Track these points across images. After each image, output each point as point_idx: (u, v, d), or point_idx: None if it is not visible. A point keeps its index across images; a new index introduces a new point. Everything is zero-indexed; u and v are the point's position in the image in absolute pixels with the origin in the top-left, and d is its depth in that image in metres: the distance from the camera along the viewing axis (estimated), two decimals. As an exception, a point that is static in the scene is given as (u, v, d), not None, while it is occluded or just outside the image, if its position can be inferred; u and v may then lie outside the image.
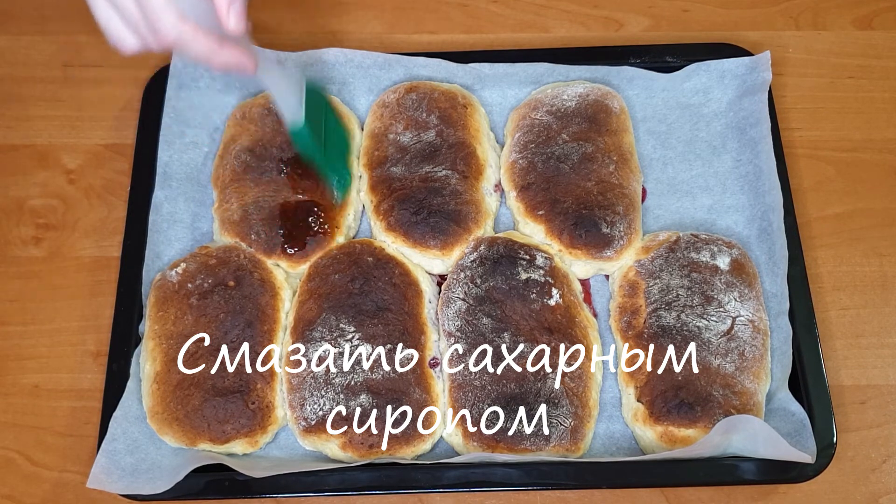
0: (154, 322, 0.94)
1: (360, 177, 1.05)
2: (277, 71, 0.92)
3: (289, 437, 0.94)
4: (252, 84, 1.10)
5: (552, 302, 0.94)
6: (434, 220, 0.98)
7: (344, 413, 0.89)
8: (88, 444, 0.95)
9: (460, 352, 0.92)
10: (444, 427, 0.92)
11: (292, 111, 0.93)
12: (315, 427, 0.90)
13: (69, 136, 1.12)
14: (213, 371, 0.91)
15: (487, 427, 0.89)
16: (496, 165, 1.05)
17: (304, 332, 0.93)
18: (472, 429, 0.89)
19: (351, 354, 0.91)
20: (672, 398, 0.89)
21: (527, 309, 0.94)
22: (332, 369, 0.91)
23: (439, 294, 0.98)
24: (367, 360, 0.91)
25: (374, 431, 0.89)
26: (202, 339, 0.92)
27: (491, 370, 0.91)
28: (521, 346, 0.92)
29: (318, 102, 0.98)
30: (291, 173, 1.01)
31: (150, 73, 1.10)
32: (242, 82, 1.09)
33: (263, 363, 0.92)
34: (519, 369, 0.91)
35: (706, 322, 0.92)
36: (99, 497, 0.93)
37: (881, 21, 1.17)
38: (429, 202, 0.99)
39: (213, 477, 0.89)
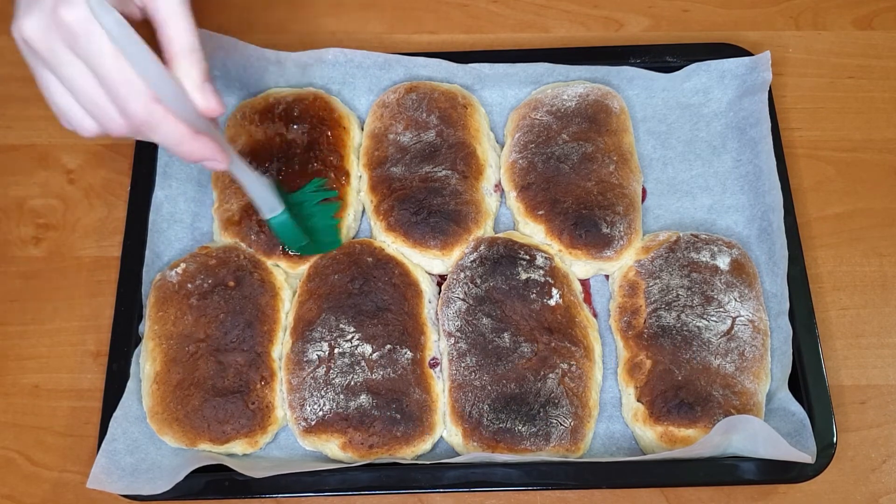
0: (154, 322, 0.94)
1: (360, 177, 1.05)
2: (247, 166, 0.89)
3: (289, 437, 0.94)
4: (253, 85, 1.10)
5: (552, 302, 0.94)
6: (434, 220, 0.98)
7: (344, 413, 0.89)
8: (88, 444, 0.95)
9: (460, 352, 0.92)
10: (444, 427, 0.92)
11: (269, 203, 0.92)
12: (315, 427, 0.90)
13: (69, 136, 1.10)
14: (212, 371, 0.91)
15: (487, 427, 0.89)
16: (496, 165, 1.05)
17: (303, 332, 0.93)
18: (472, 429, 0.89)
19: (351, 354, 0.91)
20: (672, 398, 0.89)
21: (527, 309, 0.94)
22: (332, 369, 0.91)
23: (439, 294, 0.98)
24: (367, 360, 0.91)
25: (374, 432, 0.89)
26: (202, 340, 0.92)
27: (491, 370, 0.91)
28: (521, 347, 0.92)
29: (281, 193, 0.96)
30: (291, 174, 1.01)
31: (150, 73, 1.10)
32: (242, 83, 1.09)
33: (263, 363, 0.92)
34: (519, 369, 0.91)
35: (706, 322, 0.92)
36: (99, 497, 0.93)
37: (881, 21, 1.17)
38: (429, 202, 0.99)
39: (213, 477, 0.89)
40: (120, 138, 0.76)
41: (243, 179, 0.89)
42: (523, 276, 0.95)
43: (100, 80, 0.71)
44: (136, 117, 0.72)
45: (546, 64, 1.08)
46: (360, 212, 1.04)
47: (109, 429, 0.90)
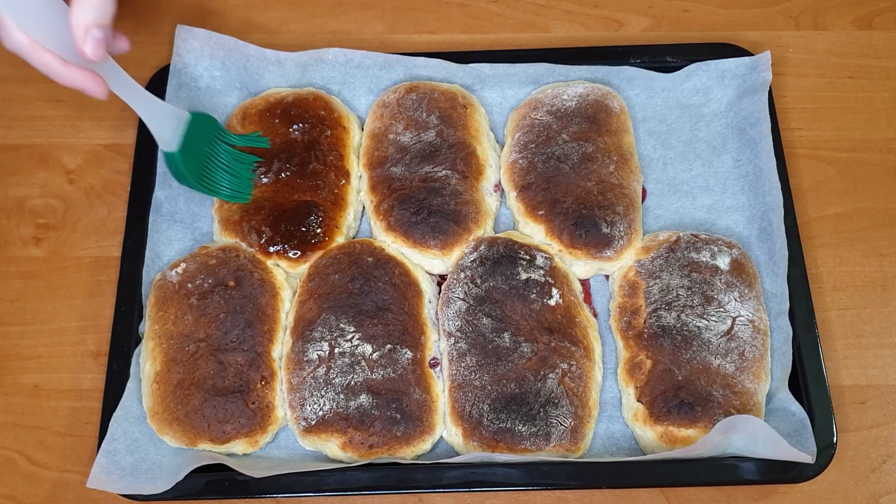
0: (154, 322, 0.94)
1: (360, 177, 1.05)
2: (148, 99, 0.92)
3: (289, 437, 0.94)
4: (253, 85, 1.10)
5: (552, 302, 0.94)
6: (434, 220, 0.98)
7: (344, 413, 0.89)
8: (88, 444, 0.95)
9: (460, 352, 0.92)
10: (444, 427, 0.92)
11: (164, 137, 0.94)
12: (315, 427, 0.90)
13: (69, 136, 1.12)
14: (213, 371, 0.91)
15: (487, 427, 0.89)
16: (496, 165, 1.05)
17: (304, 332, 0.93)
18: (472, 429, 0.89)
19: (351, 354, 0.91)
20: (672, 398, 0.89)
21: (527, 309, 0.94)
22: (332, 369, 0.91)
23: (439, 294, 0.98)
24: (367, 360, 0.91)
25: (374, 431, 0.89)
26: (202, 339, 0.92)
27: (491, 370, 0.91)
28: (521, 346, 0.92)
29: (206, 133, 0.99)
30: (291, 174, 1.01)
31: (151, 73, 1.10)
32: (242, 82, 1.10)
33: (264, 363, 0.92)
34: (519, 369, 0.91)
35: (706, 322, 0.92)
36: (99, 497, 0.93)
37: (881, 21, 1.17)
38: (429, 202, 0.99)
39: (213, 477, 0.89)
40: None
41: (137, 107, 0.92)
42: (523, 276, 0.95)
43: None
44: (6, 47, 0.81)
45: (546, 64, 1.08)
46: (360, 212, 1.04)
47: (109, 429, 0.90)
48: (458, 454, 0.91)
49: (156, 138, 0.94)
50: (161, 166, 1.04)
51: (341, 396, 0.90)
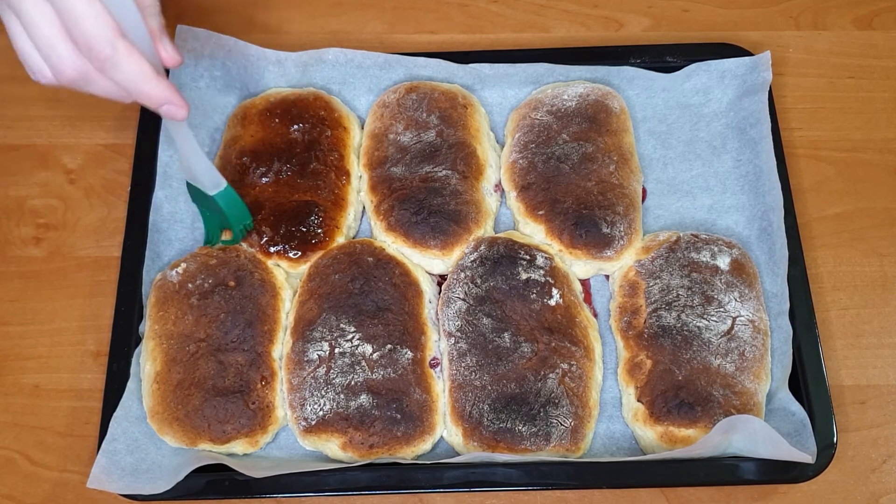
0: (154, 322, 0.94)
1: (361, 177, 1.05)
2: (192, 136, 0.91)
3: (289, 437, 0.94)
4: (253, 85, 1.10)
5: (552, 302, 0.94)
6: (434, 220, 0.98)
7: (344, 413, 0.89)
8: (88, 444, 0.95)
9: (460, 352, 0.92)
10: (445, 427, 0.92)
11: (213, 177, 0.94)
12: (315, 427, 0.90)
13: (69, 136, 1.12)
14: (213, 371, 0.91)
15: (487, 427, 0.89)
16: (496, 165, 1.05)
17: (304, 332, 0.93)
18: (472, 429, 0.89)
19: (351, 354, 0.91)
20: (672, 398, 0.89)
21: (527, 309, 0.94)
22: (333, 369, 0.91)
23: (439, 294, 0.98)
24: (368, 360, 0.91)
25: (375, 431, 0.89)
26: (203, 339, 0.92)
27: (491, 370, 0.91)
28: (521, 346, 0.92)
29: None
30: (291, 174, 1.01)
31: (151, 73, 1.10)
32: (242, 82, 1.09)
33: (264, 363, 0.92)
34: (519, 369, 0.91)
35: (706, 322, 0.92)
36: (99, 497, 0.93)
37: (881, 21, 1.17)
38: (429, 202, 0.99)
39: (214, 477, 0.89)
40: (71, 84, 0.75)
41: (191, 147, 0.91)
42: (523, 276, 0.95)
43: (64, 13, 0.70)
44: (101, 51, 0.71)
45: (546, 64, 1.08)
46: (360, 212, 1.04)
47: (109, 429, 0.90)
48: (458, 454, 0.91)
49: (204, 180, 0.93)
50: (161, 166, 1.04)
51: (341, 396, 0.90)
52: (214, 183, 0.94)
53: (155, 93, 0.77)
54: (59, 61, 0.73)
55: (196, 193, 0.97)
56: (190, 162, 0.92)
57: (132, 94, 0.77)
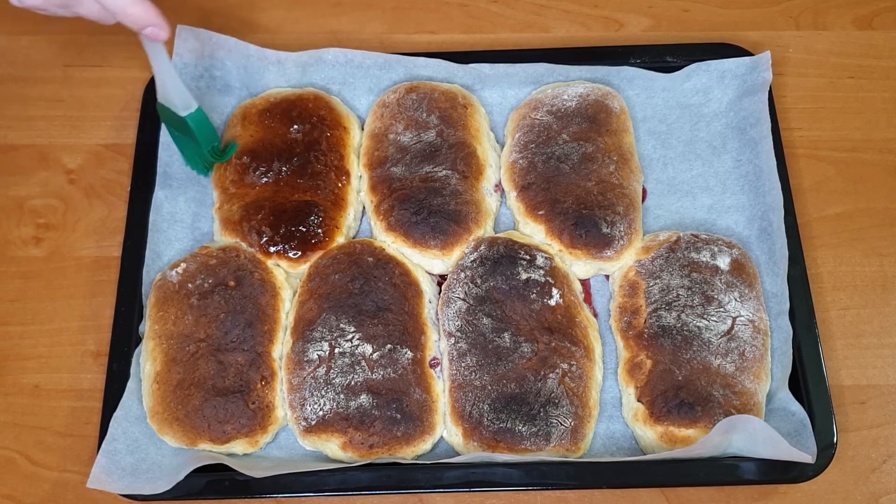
0: (154, 322, 0.94)
1: (361, 177, 1.05)
2: (168, 58, 0.95)
3: (289, 437, 0.94)
4: (253, 85, 1.10)
5: (552, 302, 0.94)
6: (434, 220, 0.98)
7: (344, 413, 0.89)
8: (88, 444, 0.95)
9: (460, 352, 0.92)
10: (445, 427, 0.92)
11: (185, 99, 0.98)
12: (315, 427, 0.90)
13: (69, 136, 1.12)
14: (213, 371, 0.91)
15: (488, 427, 0.89)
16: (496, 165, 1.05)
17: (304, 332, 0.93)
18: (472, 429, 0.89)
19: (351, 354, 0.91)
20: (672, 398, 0.89)
21: (527, 309, 0.94)
22: (333, 369, 0.91)
23: (439, 294, 0.98)
24: (368, 360, 0.91)
25: (375, 431, 0.89)
26: (203, 339, 0.92)
27: (491, 370, 0.91)
28: (521, 346, 0.92)
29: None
30: (291, 174, 1.01)
31: (151, 74, 1.10)
32: (243, 82, 1.09)
33: (264, 363, 0.92)
34: (519, 369, 0.91)
35: (706, 322, 0.92)
36: (99, 497, 0.93)
37: (881, 21, 1.17)
38: (429, 202, 0.99)
39: (213, 477, 0.89)
40: (60, 3, 0.78)
41: (164, 66, 0.95)
42: (523, 276, 0.95)
43: None
44: None
45: (546, 64, 1.08)
46: (360, 212, 1.04)
47: (110, 429, 0.90)
48: (458, 454, 0.91)
49: (176, 101, 0.97)
50: (161, 166, 1.04)
51: (341, 396, 0.90)
52: (185, 104, 0.98)
53: (140, 14, 0.80)
54: None
55: (168, 116, 1.01)
56: (164, 82, 0.96)
57: (118, 15, 0.79)
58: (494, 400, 0.90)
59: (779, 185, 0.99)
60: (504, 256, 0.96)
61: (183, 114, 0.98)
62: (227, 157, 1.02)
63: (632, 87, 1.09)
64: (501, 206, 1.05)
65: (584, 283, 1.01)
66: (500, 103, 1.11)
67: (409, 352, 0.92)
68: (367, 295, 0.94)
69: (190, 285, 0.95)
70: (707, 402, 0.88)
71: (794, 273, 0.96)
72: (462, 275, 0.97)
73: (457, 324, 0.94)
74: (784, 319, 0.94)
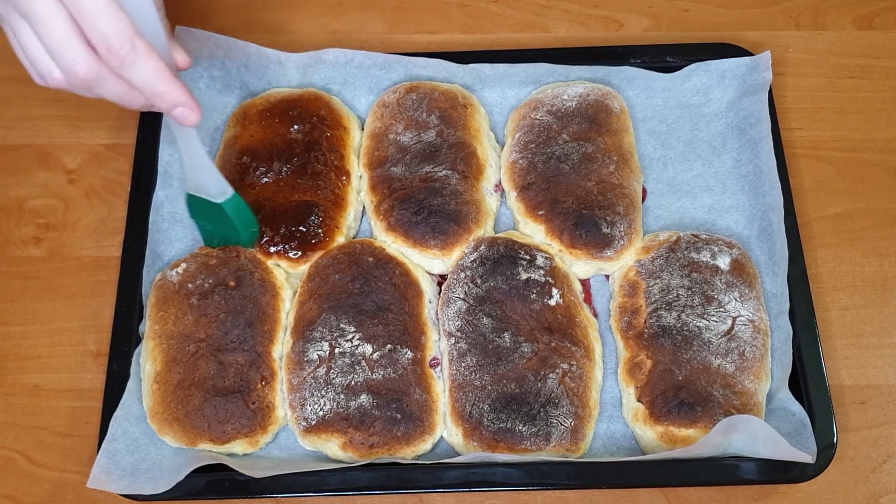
0: (154, 322, 0.94)
1: (361, 177, 1.05)
2: (199, 141, 0.89)
3: (289, 437, 0.94)
4: (253, 85, 1.10)
5: (552, 302, 0.94)
6: (434, 220, 0.98)
7: (344, 413, 0.89)
8: (88, 444, 0.95)
9: (460, 352, 0.92)
10: (445, 427, 0.92)
11: (220, 185, 0.92)
12: (315, 427, 0.90)
13: (69, 136, 1.12)
14: (213, 371, 0.91)
15: (488, 427, 0.89)
16: (496, 165, 1.05)
17: (304, 332, 0.93)
18: (472, 429, 0.89)
19: (351, 354, 0.91)
20: (672, 398, 0.89)
21: (527, 309, 0.94)
22: (333, 369, 0.91)
23: (439, 294, 0.98)
24: (368, 360, 0.91)
25: (375, 431, 0.89)
26: (203, 339, 0.92)
27: (491, 370, 0.91)
28: (521, 346, 0.92)
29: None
30: (291, 174, 1.01)
31: (151, 73, 1.10)
32: (243, 83, 1.09)
33: (264, 363, 0.92)
34: (519, 369, 0.91)
35: (706, 322, 0.92)
36: (99, 497, 0.93)
37: (881, 21, 1.17)
38: (429, 202, 0.99)
39: (214, 477, 0.89)
40: (82, 86, 0.73)
41: (198, 153, 0.89)
42: (523, 276, 0.95)
43: (79, 12, 0.69)
44: (118, 49, 0.70)
45: (546, 64, 1.08)
46: (360, 212, 1.04)
47: (110, 429, 0.90)
48: (458, 454, 0.91)
49: (211, 187, 0.91)
50: (162, 166, 1.04)
51: (341, 396, 0.90)
52: (221, 190, 0.92)
53: (172, 94, 0.76)
54: (72, 62, 0.72)
55: (196, 207, 0.96)
56: (196, 169, 0.91)
57: (147, 94, 0.75)
58: (494, 400, 0.90)
59: (779, 185, 0.99)
60: (504, 256, 0.96)
61: (219, 200, 0.92)
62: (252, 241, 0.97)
63: (632, 87, 1.09)
64: (501, 206, 1.05)
65: (584, 283, 1.01)
66: (500, 103, 1.11)
67: (409, 352, 0.92)
68: (367, 295, 0.94)
69: (190, 285, 0.95)
70: (707, 402, 0.89)
71: (794, 273, 0.96)
72: (462, 275, 0.97)
73: (457, 324, 0.94)
74: (784, 319, 0.94)
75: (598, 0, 1.19)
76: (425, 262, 1.00)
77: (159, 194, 1.02)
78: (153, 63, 0.73)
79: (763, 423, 0.84)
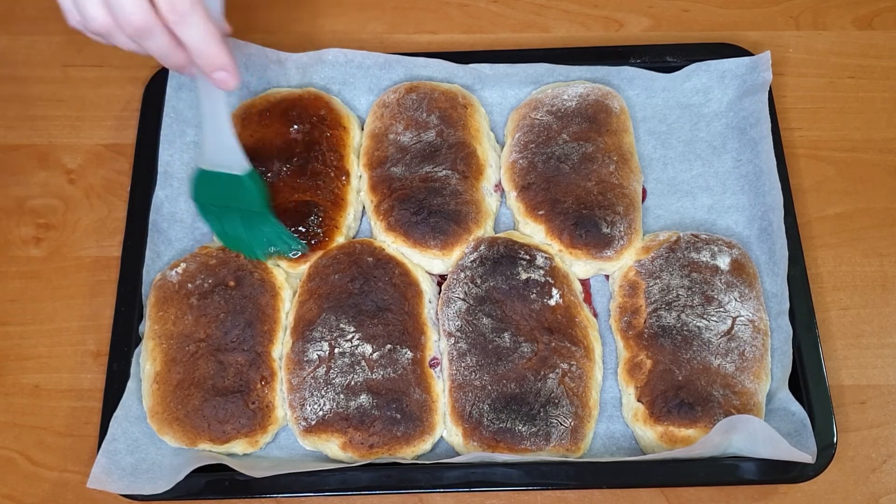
0: (154, 322, 0.94)
1: (360, 177, 1.05)
2: (228, 109, 0.89)
3: (289, 437, 0.94)
4: (253, 85, 1.10)
5: (552, 302, 0.94)
6: (434, 220, 0.98)
7: (344, 413, 0.89)
8: (88, 444, 0.95)
9: (460, 352, 0.92)
10: (444, 427, 0.92)
11: (240, 159, 0.90)
12: (315, 427, 0.90)
13: (69, 136, 1.12)
14: (213, 371, 0.91)
15: (487, 427, 0.89)
16: (496, 165, 1.05)
17: (304, 332, 0.93)
18: (472, 429, 0.89)
19: (351, 354, 0.91)
20: (672, 398, 0.89)
21: (527, 309, 0.94)
22: (333, 369, 0.91)
23: (439, 294, 0.98)
24: (368, 360, 0.91)
25: (375, 431, 0.89)
26: (203, 339, 0.92)
27: (491, 370, 0.91)
28: (521, 346, 0.92)
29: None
30: (291, 173, 1.01)
31: (151, 73, 1.10)
32: (243, 82, 1.09)
33: (264, 363, 0.92)
34: (519, 369, 0.91)
35: (706, 322, 0.92)
36: (99, 497, 0.93)
37: (881, 21, 1.17)
38: (429, 202, 0.99)
39: (213, 477, 0.89)
40: (130, 36, 0.73)
41: (222, 119, 0.88)
42: (523, 275, 0.95)
43: None
44: (181, 5, 0.71)
45: (546, 64, 1.08)
46: (360, 212, 1.04)
47: (110, 429, 0.90)
48: (458, 454, 0.91)
49: (232, 160, 0.90)
50: (162, 165, 1.04)
51: (341, 396, 0.90)
52: (241, 164, 0.91)
53: (219, 57, 0.77)
54: (131, 10, 0.72)
55: (209, 189, 0.93)
56: (218, 137, 0.89)
57: (195, 54, 0.76)
58: (494, 400, 0.90)
59: (779, 185, 0.99)
60: (504, 256, 0.96)
61: (240, 172, 0.90)
62: (294, 248, 0.95)
63: (632, 87, 1.09)
64: (501, 206, 1.05)
65: (584, 283, 1.01)
66: (500, 103, 1.11)
67: (408, 352, 0.92)
68: (366, 295, 0.94)
69: (190, 285, 0.95)
70: (707, 402, 0.89)
71: (794, 273, 0.96)
72: (462, 275, 0.97)
73: (457, 324, 0.94)
74: (784, 319, 0.94)
75: (598, 0, 1.19)
76: (425, 262, 1.00)
77: (159, 194, 1.02)
78: (208, 25, 0.75)
79: (763, 423, 0.84)
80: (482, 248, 0.98)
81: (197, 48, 0.76)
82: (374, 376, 0.91)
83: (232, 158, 0.91)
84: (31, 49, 1.16)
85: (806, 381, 0.92)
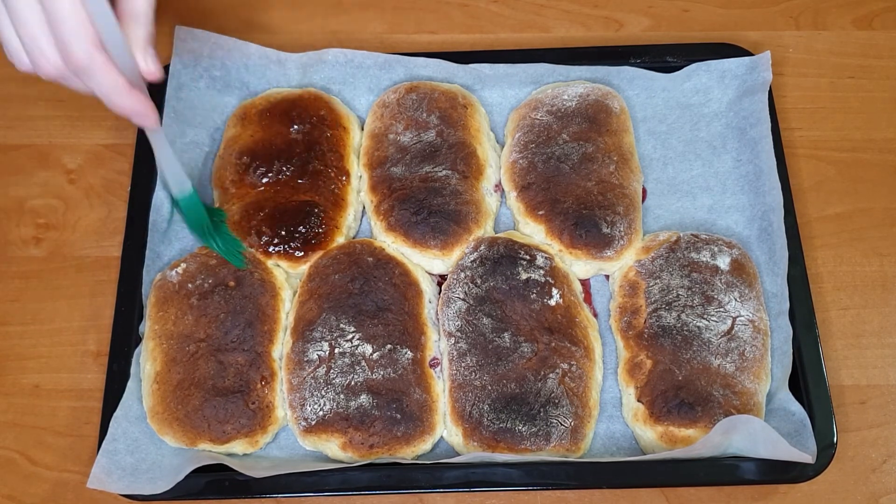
0: (154, 322, 0.94)
1: (361, 177, 1.05)
2: (167, 143, 0.92)
3: (289, 437, 0.94)
4: (253, 85, 1.10)
5: (552, 302, 0.94)
6: (434, 220, 0.98)
7: (344, 413, 0.89)
8: (88, 444, 0.95)
9: (460, 352, 0.92)
10: (445, 427, 0.92)
11: (180, 182, 0.95)
12: (315, 427, 0.90)
13: (69, 136, 1.12)
14: (213, 371, 0.91)
15: (488, 427, 0.89)
16: (496, 165, 1.05)
17: (304, 332, 0.93)
18: (472, 429, 0.89)
19: (351, 354, 0.91)
20: (672, 398, 0.89)
21: (527, 309, 0.94)
22: (333, 369, 0.91)
23: (439, 294, 0.98)
24: (368, 360, 0.91)
25: (375, 431, 0.89)
26: (203, 339, 0.92)
27: (491, 370, 0.91)
28: (521, 346, 0.92)
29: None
30: (291, 174, 1.01)
31: (151, 73, 1.10)
32: (243, 82, 1.09)
33: (264, 363, 0.92)
34: (519, 369, 0.91)
35: (706, 322, 0.92)
36: (99, 497, 0.93)
37: (881, 21, 1.17)
38: (429, 202, 0.99)
39: (213, 477, 0.89)
40: (51, 80, 0.77)
41: (162, 151, 0.92)
42: (523, 276, 0.95)
43: (50, 13, 0.72)
44: (77, 60, 0.73)
45: (546, 64, 1.08)
46: (360, 212, 1.04)
47: (110, 429, 0.90)
48: (458, 454, 0.91)
49: (171, 183, 0.95)
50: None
51: (341, 396, 0.90)
52: (181, 188, 0.95)
53: (127, 106, 0.79)
54: (40, 57, 0.75)
55: (191, 221, 0.99)
56: (160, 164, 0.94)
57: (105, 102, 0.79)
58: (494, 400, 0.90)
59: (779, 185, 0.99)
60: (504, 256, 0.96)
61: (177, 196, 0.96)
62: (237, 265, 0.98)
63: (632, 87, 1.09)
64: (501, 206, 1.05)
65: (584, 283, 1.01)
66: (500, 103, 1.11)
67: (409, 352, 0.92)
68: (367, 295, 0.94)
69: (190, 285, 0.95)
70: (707, 402, 0.89)
71: (794, 273, 0.96)
72: (462, 275, 0.97)
73: (457, 324, 0.94)
74: (784, 319, 0.94)
75: (598, 0, 1.19)
76: (425, 262, 1.00)
77: (159, 194, 1.02)
78: (110, 78, 0.76)
79: (763, 423, 0.84)
80: (482, 248, 0.98)
81: (104, 98, 0.78)
82: (374, 376, 0.91)
83: (171, 182, 0.96)
84: (31, 49, 1.16)
85: (806, 381, 0.92)
